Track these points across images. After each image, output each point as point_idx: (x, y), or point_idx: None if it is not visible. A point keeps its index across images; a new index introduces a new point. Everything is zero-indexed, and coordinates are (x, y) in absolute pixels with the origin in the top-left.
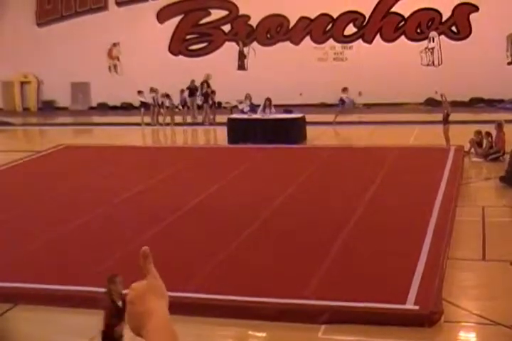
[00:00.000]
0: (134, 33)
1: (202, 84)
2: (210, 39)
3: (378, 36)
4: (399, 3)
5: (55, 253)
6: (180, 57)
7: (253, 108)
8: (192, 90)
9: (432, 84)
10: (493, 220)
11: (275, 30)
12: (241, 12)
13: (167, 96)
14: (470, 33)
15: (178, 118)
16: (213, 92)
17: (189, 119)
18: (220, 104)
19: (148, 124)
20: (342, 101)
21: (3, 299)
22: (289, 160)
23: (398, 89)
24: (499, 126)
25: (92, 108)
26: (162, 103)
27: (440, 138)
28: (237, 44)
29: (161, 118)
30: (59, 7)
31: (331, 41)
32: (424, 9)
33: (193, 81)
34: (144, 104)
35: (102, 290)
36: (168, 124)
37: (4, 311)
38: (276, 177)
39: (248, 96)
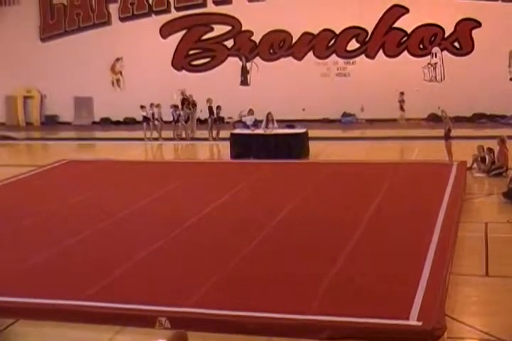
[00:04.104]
0: (137, 48)
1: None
2: (212, 54)
3: (381, 52)
4: (401, 18)
5: (57, 268)
6: (183, 72)
7: (256, 123)
8: (191, 105)
9: (434, 100)
10: (496, 236)
11: (278, 45)
12: (244, 27)
13: (175, 107)
14: (472, 48)
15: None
16: (219, 108)
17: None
18: (222, 119)
19: (155, 139)
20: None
21: (6, 314)
22: (291, 176)
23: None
24: (502, 141)
25: (94, 123)
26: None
27: (443, 154)
28: (240, 59)
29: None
30: (62, 22)
31: (333, 56)
32: (427, 25)
33: (190, 96)
34: (146, 119)
35: (105, 305)
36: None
37: (6, 326)
38: (278, 192)
39: (251, 111)
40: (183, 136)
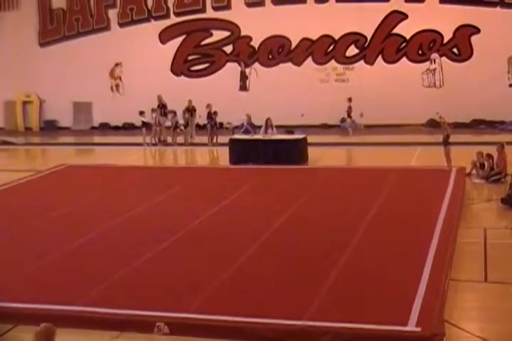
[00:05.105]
0: (137, 53)
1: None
2: (211, 60)
3: (380, 57)
4: (400, 24)
5: (55, 274)
6: (182, 77)
7: (251, 127)
8: (190, 111)
9: (433, 106)
10: (495, 242)
11: (277, 51)
12: (243, 33)
13: (173, 113)
14: (471, 54)
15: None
16: (215, 113)
17: (188, 139)
18: (221, 124)
19: (154, 144)
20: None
21: (3, 319)
22: (290, 181)
23: (400, 110)
24: (501, 147)
25: (93, 128)
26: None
27: (442, 160)
28: (239, 65)
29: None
30: (62, 27)
31: (332, 62)
32: (426, 31)
33: (190, 101)
34: (145, 124)
35: (103, 310)
36: (168, 144)
37: (4, 332)
38: (277, 198)
39: (248, 116)
40: (173, 141)
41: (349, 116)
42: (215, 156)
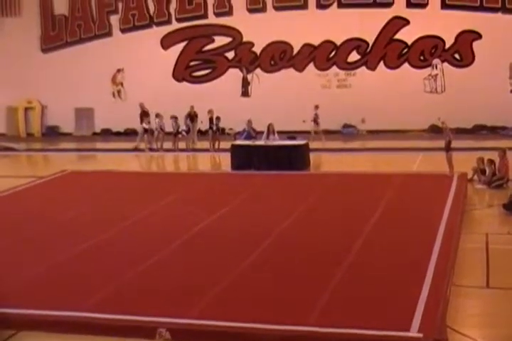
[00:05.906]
0: (138, 59)
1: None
2: (213, 65)
3: (382, 63)
4: (402, 30)
5: (57, 280)
6: (184, 83)
7: (253, 133)
8: (192, 116)
9: (435, 111)
10: (497, 247)
11: (279, 56)
12: (245, 39)
13: (175, 118)
14: (473, 60)
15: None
16: (218, 119)
17: (190, 145)
18: (222, 130)
19: (156, 150)
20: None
21: (5, 326)
22: (292, 187)
23: (401, 115)
24: (503, 153)
25: (95, 134)
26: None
27: (444, 165)
28: (241, 71)
29: (161, 143)
30: (63, 33)
31: (334, 68)
32: (428, 36)
33: (192, 107)
34: (147, 130)
35: (104, 316)
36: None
37: (6, 338)
38: (279, 204)
39: (250, 121)
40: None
41: (316, 122)
42: (216, 162)
